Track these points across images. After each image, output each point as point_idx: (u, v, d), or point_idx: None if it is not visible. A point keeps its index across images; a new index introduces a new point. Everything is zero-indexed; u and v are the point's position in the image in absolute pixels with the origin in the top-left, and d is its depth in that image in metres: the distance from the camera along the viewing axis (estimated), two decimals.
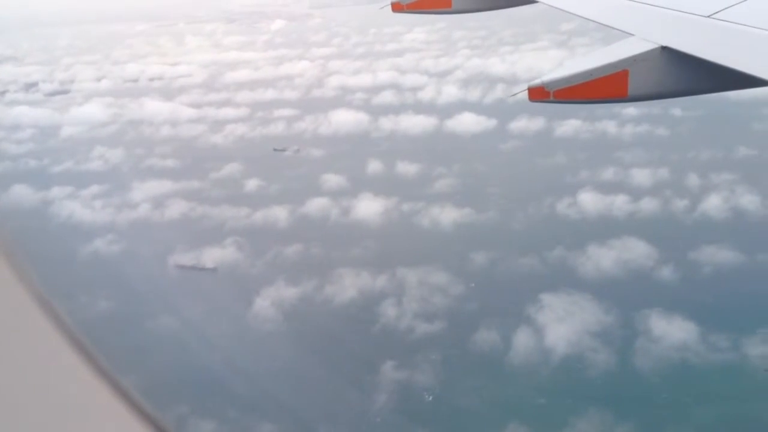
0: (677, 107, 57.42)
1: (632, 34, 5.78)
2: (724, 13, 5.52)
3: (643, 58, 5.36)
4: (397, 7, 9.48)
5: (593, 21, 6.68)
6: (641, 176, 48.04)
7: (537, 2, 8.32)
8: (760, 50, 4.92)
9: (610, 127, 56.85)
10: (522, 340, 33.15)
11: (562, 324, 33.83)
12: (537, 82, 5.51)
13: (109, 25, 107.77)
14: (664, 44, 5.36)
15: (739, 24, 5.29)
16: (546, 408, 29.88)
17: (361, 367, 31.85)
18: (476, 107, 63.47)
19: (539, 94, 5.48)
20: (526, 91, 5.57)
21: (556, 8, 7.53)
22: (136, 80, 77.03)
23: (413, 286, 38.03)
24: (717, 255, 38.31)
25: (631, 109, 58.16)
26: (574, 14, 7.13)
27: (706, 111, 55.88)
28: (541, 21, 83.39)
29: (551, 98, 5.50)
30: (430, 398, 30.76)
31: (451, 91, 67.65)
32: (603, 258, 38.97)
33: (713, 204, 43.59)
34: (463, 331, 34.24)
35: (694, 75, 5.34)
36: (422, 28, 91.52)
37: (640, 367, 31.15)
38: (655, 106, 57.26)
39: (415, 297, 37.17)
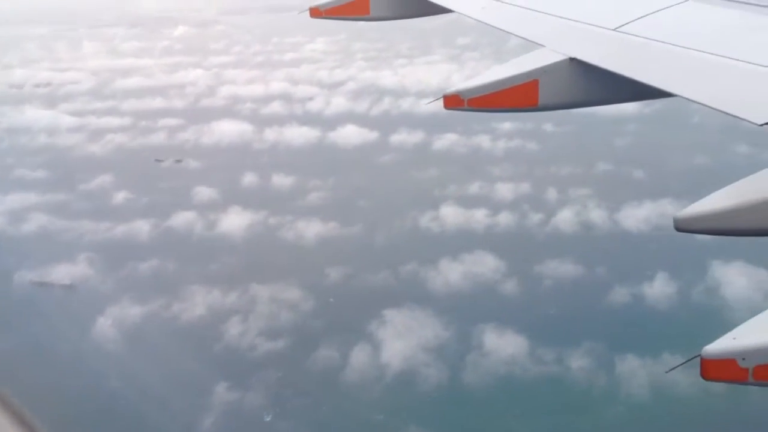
0: (549, 122, 59.21)
1: (543, 46, 5.86)
2: (629, 26, 5.67)
3: (552, 69, 5.48)
4: (315, 13, 9.36)
5: (507, 32, 6.75)
6: (504, 190, 49.34)
7: (452, 12, 8.33)
8: (662, 62, 5.09)
9: (484, 141, 58.18)
10: (359, 356, 33.71)
11: (400, 340, 34.56)
12: (452, 90, 5.63)
13: (7, 27, 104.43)
14: (573, 56, 5.47)
15: (642, 37, 5.45)
16: (382, 424, 30.50)
17: (193, 389, 31.87)
18: (361, 119, 64.07)
19: (454, 102, 5.57)
20: (441, 99, 5.64)
21: (472, 18, 7.61)
22: (21, 86, 74.93)
23: (263, 303, 38.22)
24: (559, 269, 39.70)
25: (506, 124, 59.68)
26: (489, 25, 7.21)
27: (576, 127, 57.75)
28: (440, 34, 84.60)
29: (465, 106, 5.56)
30: (269, 418, 31.00)
31: (339, 103, 68.11)
32: (452, 272, 39.92)
33: (565, 218, 45.13)
34: (305, 348, 34.60)
35: (600, 86, 5.49)
36: (324, 38, 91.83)
37: (468, 382, 32.08)
38: (528, 121, 58.93)
39: (263, 314, 37.36)
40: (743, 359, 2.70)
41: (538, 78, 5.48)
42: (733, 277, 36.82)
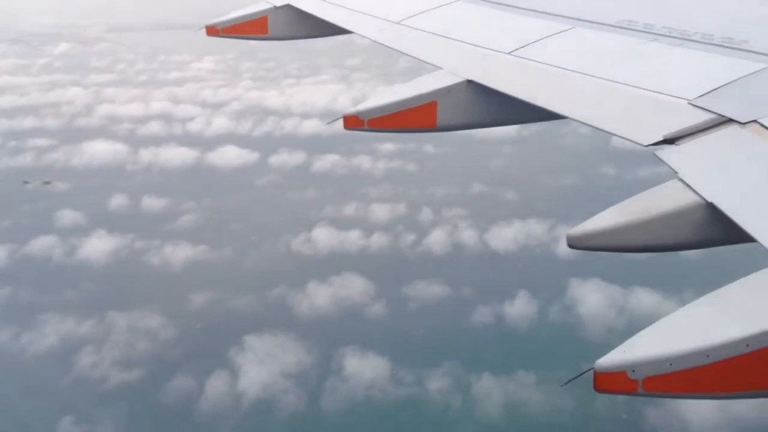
0: (429, 143, 59.87)
1: (441, 68, 5.89)
2: (523, 50, 5.79)
3: (449, 91, 5.57)
4: (211, 31, 9.04)
5: (405, 54, 6.73)
6: (380, 211, 49.36)
7: (351, 33, 8.15)
8: (554, 86, 5.15)
9: (365, 162, 58.21)
10: (216, 385, 32.69)
11: (260, 366, 33.74)
12: (352, 110, 5.62)
13: None
14: (470, 78, 5.58)
15: (536, 61, 5.55)
16: None
17: (33, 426, 30.07)
18: (242, 140, 63.01)
19: (354, 122, 5.61)
20: (341, 120, 5.63)
21: (371, 40, 7.43)
22: None
23: (120, 332, 36.66)
24: (427, 290, 39.86)
25: (388, 145, 59.96)
26: (388, 46, 7.03)
27: (455, 148, 58.62)
28: (331, 55, 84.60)
29: (365, 126, 5.61)
30: None
31: (221, 123, 66.82)
32: (320, 296, 39.45)
33: (437, 239, 45.47)
34: (160, 378, 33.30)
35: (496, 107, 5.58)
36: (212, 57, 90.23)
37: (325, 407, 31.56)
38: (410, 142, 59.39)
39: (118, 343, 35.81)
40: (633, 371, 2.82)
41: (436, 99, 5.60)
42: (589, 294, 37.84)
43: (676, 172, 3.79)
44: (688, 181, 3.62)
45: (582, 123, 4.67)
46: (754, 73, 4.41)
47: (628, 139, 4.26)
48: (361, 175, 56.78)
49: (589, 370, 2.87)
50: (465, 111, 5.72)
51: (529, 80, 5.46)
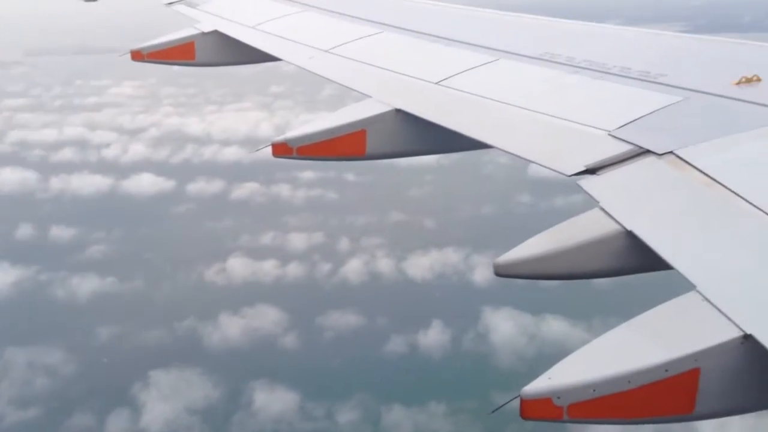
0: (351, 172, 59.82)
1: (370, 96, 5.93)
2: (450, 80, 5.86)
3: (378, 119, 5.58)
4: (136, 56, 8.73)
5: (335, 82, 6.84)
6: (297, 240, 48.85)
7: (279, 60, 7.97)
8: (481, 115, 5.23)
9: (284, 190, 57.70)
10: (117, 423, 31.42)
11: (165, 402, 32.63)
12: (281, 138, 5.58)
13: None
14: (398, 107, 5.59)
15: (463, 91, 5.63)
16: None
17: None
18: (159, 168, 61.70)
19: (282, 150, 5.55)
20: (270, 147, 5.57)
21: (300, 68, 7.34)
22: None
23: (19, 368, 34.99)
24: (342, 320, 39.46)
25: (308, 173, 59.63)
26: (317, 74, 7.02)
27: (376, 176, 58.72)
28: (255, 82, 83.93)
29: (294, 154, 5.57)
30: None
31: (137, 150, 65.35)
32: (231, 328, 38.58)
33: (354, 268, 45.21)
34: (59, 416, 31.82)
35: (424, 136, 5.63)
36: (132, 82, 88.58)
37: None
38: (330, 170, 59.19)
39: (16, 380, 34.14)
40: (558, 398, 2.79)
41: (365, 128, 5.67)
42: (501, 323, 38.10)
43: (597, 202, 3.79)
44: (608, 210, 3.66)
45: (507, 152, 4.75)
46: (670, 105, 4.59)
47: (552, 169, 4.32)
48: (281, 203, 56.23)
49: (515, 397, 2.86)
50: (394, 139, 5.79)
51: (456, 110, 5.56)
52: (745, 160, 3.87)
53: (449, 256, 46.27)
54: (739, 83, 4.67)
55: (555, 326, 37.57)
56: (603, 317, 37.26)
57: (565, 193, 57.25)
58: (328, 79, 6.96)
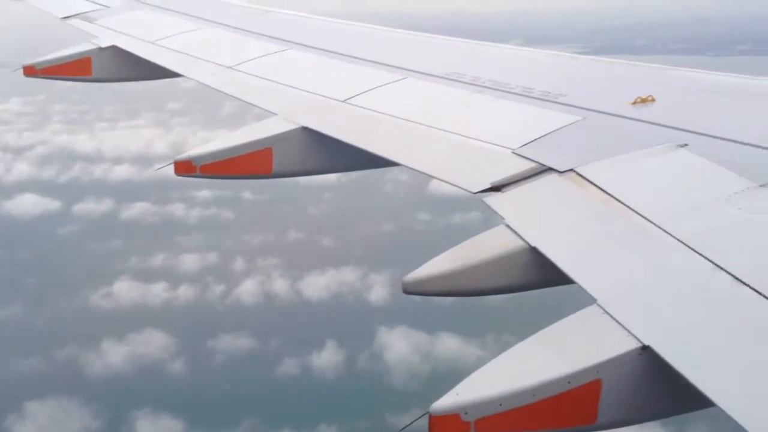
0: (248, 191, 58.67)
1: (275, 114, 5.89)
2: (357, 98, 5.87)
3: (285, 137, 5.55)
4: (29, 71, 8.33)
5: (239, 99, 6.67)
6: (190, 262, 47.40)
7: (180, 76, 7.64)
8: (387, 133, 5.26)
9: (178, 209, 55.99)
10: None
11: None
12: (184, 156, 5.46)
13: None
14: (305, 125, 5.57)
15: (369, 109, 5.65)
16: None
17: None
18: (44, 187, 58.81)
19: (185, 168, 5.42)
20: (172, 165, 5.42)
21: (203, 84, 7.13)
22: None
23: None
24: (234, 343, 38.35)
25: (204, 191, 58.15)
26: (221, 91, 6.84)
27: (275, 195, 57.78)
28: (151, 98, 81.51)
29: (198, 173, 5.45)
30: None
31: (21, 169, 62.14)
32: (114, 355, 36.80)
33: (248, 289, 44.13)
34: None
35: (331, 154, 5.60)
36: (20, 98, 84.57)
37: None
38: (227, 189, 57.86)
39: None
40: (465, 413, 2.79)
41: (272, 146, 5.63)
42: (396, 342, 37.87)
43: (502, 218, 3.89)
44: (513, 227, 3.76)
45: (414, 170, 4.79)
46: (570, 124, 4.75)
47: (458, 186, 4.39)
48: (174, 223, 54.50)
49: (424, 414, 2.86)
50: (301, 157, 5.78)
51: (363, 127, 5.58)
52: (640, 177, 4.01)
53: (346, 276, 45.86)
54: (634, 103, 4.87)
55: (449, 344, 37.63)
56: (496, 334, 37.63)
57: (463, 210, 58.01)
58: (231, 96, 6.88)
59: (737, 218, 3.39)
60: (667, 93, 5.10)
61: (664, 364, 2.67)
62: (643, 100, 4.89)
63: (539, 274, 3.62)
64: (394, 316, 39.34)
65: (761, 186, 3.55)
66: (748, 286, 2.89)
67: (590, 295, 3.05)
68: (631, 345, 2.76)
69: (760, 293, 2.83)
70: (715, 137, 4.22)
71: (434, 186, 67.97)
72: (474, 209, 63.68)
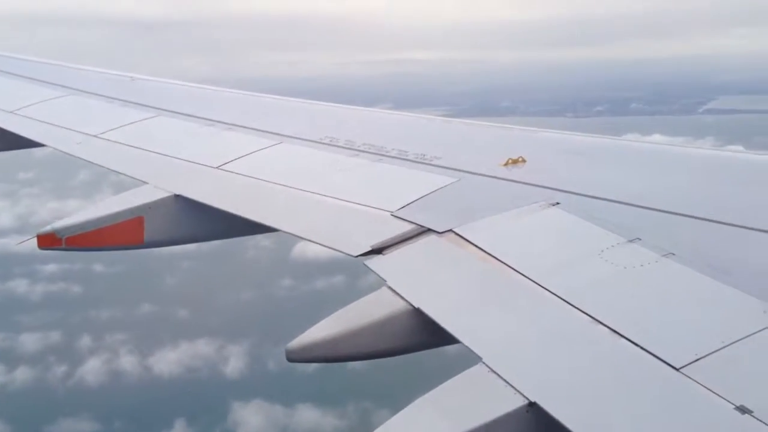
0: (99, 263, 55.77)
1: (146, 182, 5.74)
2: (231, 164, 5.85)
3: (157, 205, 5.41)
4: None
5: (106, 168, 6.40)
6: (30, 342, 44.32)
7: (42, 146, 7.38)
8: (263, 199, 5.25)
9: (20, 286, 52.37)
10: None
11: None
12: (48, 228, 5.20)
13: None
14: (177, 192, 5.44)
15: (244, 175, 5.62)
16: None
17: None
18: None
19: (50, 241, 5.19)
20: (35, 238, 5.18)
21: (69, 155, 6.81)
22: None
23: None
24: (75, 427, 35.74)
25: (51, 266, 54.79)
26: (87, 161, 6.64)
27: (128, 266, 55.18)
28: (4, 169, 76.66)
29: (63, 245, 5.23)
30: None
31: None
32: None
33: (93, 368, 41.54)
34: None
35: (205, 222, 5.47)
36: None
37: None
38: (77, 262, 54.77)
39: None
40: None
41: (143, 215, 5.42)
42: (251, 416, 36.35)
43: (384, 281, 3.85)
44: (396, 289, 3.75)
45: (294, 236, 4.80)
46: (446, 186, 4.85)
47: (338, 250, 4.39)
48: (15, 300, 50.76)
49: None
50: (174, 226, 5.62)
51: (238, 194, 5.49)
52: (517, 236, 4.11)
53: (200, 349, 44.01)
54: (506, 164, 5.01)
55: (307, 416, 36.54)
56: (357, 401, 36.85)
57: (327, 274, 57.53)
58: (98, 165, 6.67)
59: (610, 272, 3.48)
60: (537, 153, 5.25)
61: (551, 420, 2.69)
62: (515, 161, 5.05)
63: (424, 335, 3.62)
64: (249, 390, 37.91)
65: (629, 241, 3.69)
66: (625, 337, 2.97)
67: (475, 354, 3.06)
68: (518, 402, 2.79)
69: (636, 344, 2.91)
70: (584, 195, 4.37)
71: (298, 251, 67.05)
72: (338, 273, 63.17)
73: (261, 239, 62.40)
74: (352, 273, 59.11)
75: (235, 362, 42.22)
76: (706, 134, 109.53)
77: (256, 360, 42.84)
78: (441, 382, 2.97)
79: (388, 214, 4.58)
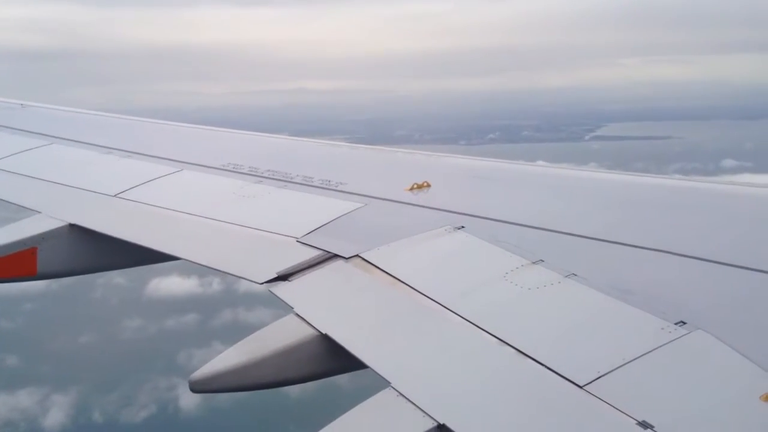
0: None
1: (39, 212, 5.59)
2: (129, 192, 5.73)
3: (50, 236, 5.28)
4: None
5: None
6: None
7: None
8: (163, 227, 5.15)
9: None
10: None
11: None
12: None
13: None
14: (72, 221, 5.35)
15: (143, 203, 5.53)
16: None
17: None
18: None
19: None
20: None
21: None
22: None
23: None
24: None
25: None
26: None
27: None
28: None
29: None
30: None
31: None
32: None
33: None
34: None
35: (102, 251, 5.37)
36: None
37: None
38: None
39: None
40: None
41: (36, 245, 5.21)
42: None
43: (291, 308, 3.76)
44: (303, 315, 3.68)
45: (195, 263, 4.61)
46: (352, 211, 4.84)
47: (244, 278, 4.27)
48: None
49: None
50: (68, 256, 5.34)
51: (136, 222, 5.28)
52: (423, 260, 4.09)
53: (21, 400, 40.62)
54: (411, 189, 5.02)
55: None
56: None
57: (178, 313, 54.92)
58: None
59: (514, 294, 3.52)
60: (441, 178, 5.25)
61: None
62: (419, 186, 5.05)
63: (332, 361, 3.58)
64: None
65: (533, 263, 3.74)
66: (530, 357, 3.01)
67: (384, 378, 3.05)
68: (428, 425, 2.79)
69: (541, 363, 2.95)
70: (488, 219, 4.39)
71: (152, 288, 64.17)
72: (192, 311, 60.48)
73: (111, 278, 59.20)
74: (208, 310, 56.71)
75: (55, 414, 39.11)
76: (589, 160, 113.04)
77: (80, 411, 39.92)
78: (349, 409, 2.90)
79: (294, 240, 4.55)
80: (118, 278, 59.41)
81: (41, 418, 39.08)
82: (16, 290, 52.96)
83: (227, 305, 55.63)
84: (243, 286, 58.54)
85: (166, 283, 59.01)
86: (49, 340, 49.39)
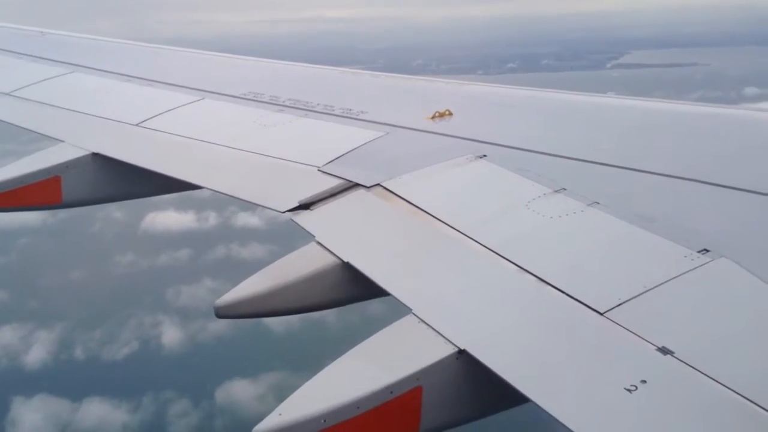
0: None
1: (62, 141, 5.64)
2: (150, 121, 5.72)
3: (74, 164, 5.32)
4: None
5: (20, 127, 6.15)
6: None
7: None
8: (185, 156, 5.13)
9: None
10: None
11: None
12: None
13: None
14: (95, 150, 5.37)
15: (165, 132, 5.54)
16: None
17: None
18: None
19: None
20: None
21: None
22: None
23: None
24: None
25: None
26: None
27: None
28: None
29: None
30: None
31: None
32: None
33: None
34: None
35: (125, 180, 5.38)
36: None
37: None
38: None
39: None
40: None
41: (60, 174, 5.26)
42: (31, 413, 33.43)
43: (313, 236, 3.80)
44: (324, 244, 3.70)
45: (218, 192, 4.58)
46: (373, 140, 4.79)
47: (265, 206, 4.27)
48: None
49: None
50: (92, 185, 5.38)
51: (158, 151, 5.27)
52: (444, 188, 4.09)
53: (3, 335, 40.58)
54: (433, 118, 4.97)
55: (94, 411, 33.69)
56: (155, 393, 34.33)
57: (172, 248, 54.38)
58: (9, 123, 6.28)
59: (536, 223, 3.50)
60: (463, 107, 5.19)
61: (480, 366, 2.72)
62: (441, 115, 4.99)
63: (354, 289, 3.62)
64: (35, 384, 34.85)
65: (555, 191, 3.70)
66: (550, 285, 3.00)
67: (405, 306, 3.07)
68: (448, 350, 2.80)
69: (561, 291, 2.94)
70: (510, 147, 4.31)
71: (147, 223, 63.57)
72: (185, 246, 59.91)
73: (111, 211, 58.57)
74: (201, 245, 56.10)
75: (37, 350, 39.02)
76: (608, 89, 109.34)
77: (63, 348, 39.78)
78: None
79: (315, 169, 4.50)
80: (116, 212, 58.91)
81: (23, 354, 38.88)
82: (13, 224, 52.54)
83: (221, 240, 54.96)
84: (239, 221, 57.85)
85: (162, 218, 58.39)
86: (40, 275, 49.17)
